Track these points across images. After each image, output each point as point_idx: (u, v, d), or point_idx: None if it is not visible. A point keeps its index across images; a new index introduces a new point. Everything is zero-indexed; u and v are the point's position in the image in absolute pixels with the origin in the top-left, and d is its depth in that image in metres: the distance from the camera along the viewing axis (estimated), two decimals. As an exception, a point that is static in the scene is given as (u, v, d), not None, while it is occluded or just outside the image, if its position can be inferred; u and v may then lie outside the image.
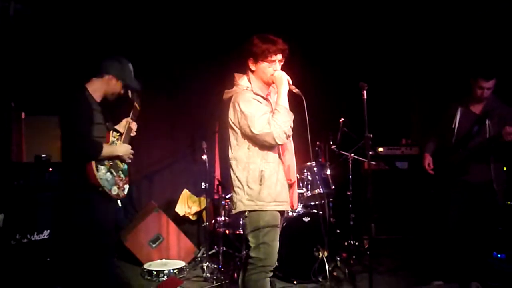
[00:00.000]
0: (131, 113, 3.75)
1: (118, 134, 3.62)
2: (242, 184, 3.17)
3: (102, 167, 3.38)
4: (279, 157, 3.24)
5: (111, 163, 3.47)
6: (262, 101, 3.20)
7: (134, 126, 3.75)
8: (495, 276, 4.42)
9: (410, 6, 6.11)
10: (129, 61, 3.60)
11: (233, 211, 3.28)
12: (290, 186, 3.31)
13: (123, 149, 3.56)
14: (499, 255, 4.55)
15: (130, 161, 3.65)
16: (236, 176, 3.20)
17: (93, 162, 3.30)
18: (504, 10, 5.37)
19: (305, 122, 3.23)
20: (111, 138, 3.52)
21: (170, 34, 5.93)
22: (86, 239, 3.42)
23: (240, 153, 3.19)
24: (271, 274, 3.25)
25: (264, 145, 3.14)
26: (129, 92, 3.69)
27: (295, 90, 3.21)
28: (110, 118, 3.59)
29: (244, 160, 3.18)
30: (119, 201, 3.61)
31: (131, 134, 3.72)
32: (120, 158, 3.55)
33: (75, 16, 5.24)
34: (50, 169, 4.27)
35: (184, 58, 6.04)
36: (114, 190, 3.44)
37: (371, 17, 6.31)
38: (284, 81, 3.17)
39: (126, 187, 3.60)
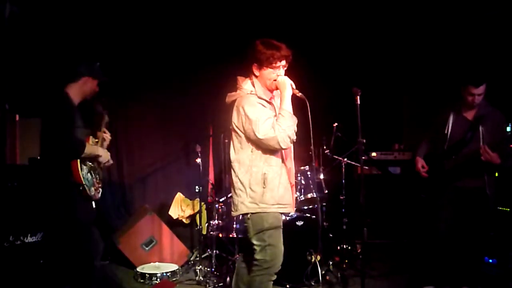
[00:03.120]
0: (102, 124, 3.91)
1: (96, 140, 3.80)
2: (245, 186, 3.18)
3: (85, 167, 3.57)
4: (282, 161, 3.26)
5: (91, 165, 3.67)
6: (267, 105, 3.22)
7: (107, 137, 3.94)
8: (487, 281, 4.45)
9: (403, 14, 6.16)
10: (97, 61, 3.86)
11: (234, 213, 3.28)
12: (290, 188, 3.33)
13: (103, 151, 3.79)
14: (490, 260, 4.58)
15: (106, 165, 3.88)
16: (239, 179, 3.21)
17: (78, 161, 3.47)
18: (493, 17, 5.43)
19: (305, 126, 3.27)
20: (91, 142, 3.71)
21: (164, 38, 5.94)
22: (68, 237, 3.57)
23: (243, 156, 3.20)
24: (275, 277, 3.27)
25: (268, 149, 3.16)
26: (96, 105, 3.92)
27: (299, 94, 3.24)
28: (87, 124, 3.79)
29: (247, 163, 3.19)
30: (93, 202, 3.72)
31: (106, 143, 3.93)
32: (99, 159, 3.73)
33: (71, 18, 5.24)
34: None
35: (178, 62, 6.04)
36: (92, 191, 3.62)
37: (363, 23, 6.35)
38: (287, 85, 3.19)
39: (100, 190, 3.77)
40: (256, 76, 3.26)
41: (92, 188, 3.63)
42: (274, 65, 3.18)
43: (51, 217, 3.63)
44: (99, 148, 3.74)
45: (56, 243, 3.71)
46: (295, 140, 3.21)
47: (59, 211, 3.54)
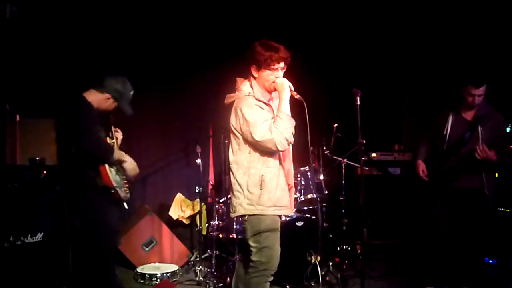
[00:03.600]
0: (111, 123, 3.86)
1: (113, 141, 3.74)
2: (242, 188, 3.18)
3: (113, 169, 3.52)
4: (280, 162, 3.26)
5: (117, 167, 3.61)
6: (264, 107, 3.21)
7: (119, 135, 3.89)
8: (486, 281, 4.46)
9: (402, 15, 6.17)
10: (132, 86, 3.76)
11: (232, 215, 3.28)
12: (288, 190, 3.33)
13: (130, 159, 3.68)
14: (490, 261, 4.58)
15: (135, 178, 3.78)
16: (237, 180, 3.22)
17: (106, 165, 3.44)
18: (493, 17, 5.44)
19: (304, 127, 3.26)
20: (110, 142, 3.68)
21: (164, 38, 5.94)
22: (94, 241, 3.52)
23: (241, 157, 3.21)
24: (272, 278, 3.28)
25: (265, 151, 3.16)
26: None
27: (297, 96, 3.23)
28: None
29: (244, 165, 3.20)
30: (125, 203, 3.69)
31: (119, 142, 3.87)
32: (124, 165, 3.64)
33: (71, 20, 5.24)
34: (45, 172, 4.26)
35: (178, 62, 6.04)
36: (122, 192, 3.57)
37: (363, 24, 6.36)
38: (286, 87, 3.18)
39: (128, 190, 3.71)
40: (255, 78, 3.26)
41: (123, 189, 3.60)
42: (272, 67, 3.17)
43: (81, 224, 3.59)
44: (124, 155, 3.67)
45: (83, 250, 3.64)
46: (292, 142, 3.21)
47: (91, 217, 3.52)
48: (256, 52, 3.17)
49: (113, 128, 3.84)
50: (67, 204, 3.92)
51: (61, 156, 3.62)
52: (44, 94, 4.92)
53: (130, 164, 3.67)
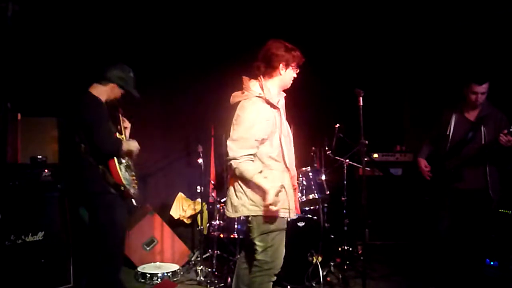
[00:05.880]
0: (119, 116, 3.87)
1: (122, 136, 3.77)
2: (245, 189, 3.15)
3: (122, 166, 3.54)
4: (284, 163, 3.22)
5: (126, 164, 3.65)
6: (272, 111, 3.16)
7: (127, 124, 3.93)
8: (488, 283, 4.45)
9: (404, 15, 6.16)
10: (131, 69, 3.79)
11: (233, 214, 3.23)
12: (293, 191, 3.31)
13: (134, 144, 3.74)
14: (492, 263, 4.57)
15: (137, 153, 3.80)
16: (239, 182, 3.18)
17: (116, 162, 3.45)
18: (495, 17, 5.43)
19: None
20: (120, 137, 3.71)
21: (165, 37, 5.93)
22: (104, 237, 3.54)
23: None
24: (275, 278, 3.26)
25: (267, 153, 3.15)
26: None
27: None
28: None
29: None
30: (133, 200, 3.71)
31: (128, 131, 3.91)
32: (132, 153, 3.71)
33: (73, 18, 5.24)
34: (46, 170, 4.27)
35: (180, 62, 6.04)
36: (132, 189, 3.61)
37: (364, 25, 6.35)
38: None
39: (137, 187, 3.75)
40: (278, 75, 3.22)
41: (132, 186, 3.64)
42: (296, 68, 3.25)
43: (91, 221, 3.60)
44: (130, 143, 3.72)
45: (94, 246, 3.63)
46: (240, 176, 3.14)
47: (101, 214, 3.52)
48: (282, 48, 3.18)
49: (121, 119, 3.85)
50: (72, 201, 3.93)
51: (68, 154, 3.64)
52: (46, 92, 4.91)
53: (136, 149, 3.75)
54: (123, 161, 3.62)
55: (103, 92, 3.64)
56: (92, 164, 3.47)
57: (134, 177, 3.74)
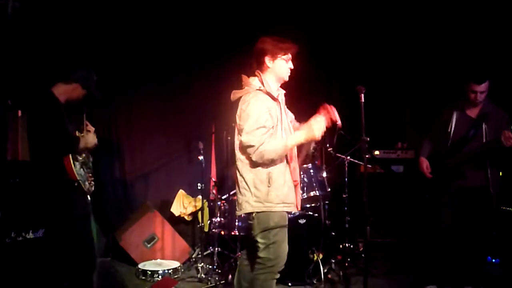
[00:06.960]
0: (83, 118, 3.91)
1: (82, 134, 3.82)
2: (249, 185, 3.15)
3: (77, 163, 3.63)
4: (286, 160, 3.23)
5: (82, 160, 3.73)
6: (272, 103, 3.17)
7: (91, 128, 3.95)
8: (489, 281, 4.44)
9: (405, 12, 6.14)
10: (95, 71, 3.86)
11: (238, 212, 3.25)
12: (294, 187, 3.30)
13: (90, 139, 3.78)
14: (493, 260, 4.57)
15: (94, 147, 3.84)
16: (243, 178, 3.18)
17: (70, 158, 3.54)
18: (495, 14, 5.41)
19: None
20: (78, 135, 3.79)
21: (165, 35, 5.92)
22: (70, 232, 3.65)
23: (247, 154, 3.16)
24: (278, 276, 3.25)
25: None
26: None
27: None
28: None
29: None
30: (88, 196, 3.79)
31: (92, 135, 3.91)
32: (89, 149, 3.79)
33: (74, 16, 5.24)
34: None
35: (181, 59, 6.03)
36: (87, 185, 3.71)
37: (366, 22, 6.33)
38: (313, 134, 3.12)
39: (93, 183, 3.84)
40: (267, 69, 3.23)
41: (86, 183, 3.72)
42: (285, 54, 3.21)
43: (51, 215, 3.73)
44: (86, 138, 3.75)
45: (58, 240, 3.75)
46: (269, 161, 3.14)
47: (58, 209, 3.63)
48: (268, 42, 3.19)
49: (85, 122, 3.90)
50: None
51: (31, 150, 3.68)
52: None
53: (92, 143, 3.77)
54: (80, 158, 3.71)
55: (65, 91, 3.70)
56: (48, 160, 3.56)
57: (91, 176, 3.83)
